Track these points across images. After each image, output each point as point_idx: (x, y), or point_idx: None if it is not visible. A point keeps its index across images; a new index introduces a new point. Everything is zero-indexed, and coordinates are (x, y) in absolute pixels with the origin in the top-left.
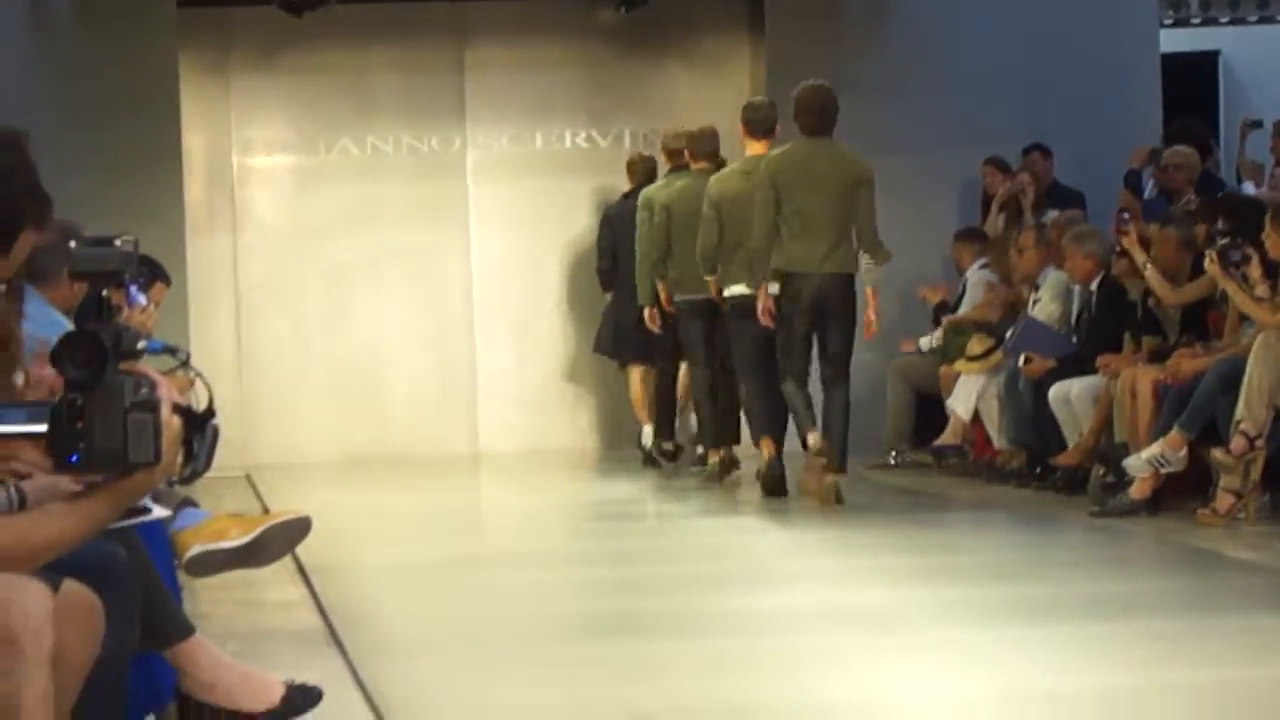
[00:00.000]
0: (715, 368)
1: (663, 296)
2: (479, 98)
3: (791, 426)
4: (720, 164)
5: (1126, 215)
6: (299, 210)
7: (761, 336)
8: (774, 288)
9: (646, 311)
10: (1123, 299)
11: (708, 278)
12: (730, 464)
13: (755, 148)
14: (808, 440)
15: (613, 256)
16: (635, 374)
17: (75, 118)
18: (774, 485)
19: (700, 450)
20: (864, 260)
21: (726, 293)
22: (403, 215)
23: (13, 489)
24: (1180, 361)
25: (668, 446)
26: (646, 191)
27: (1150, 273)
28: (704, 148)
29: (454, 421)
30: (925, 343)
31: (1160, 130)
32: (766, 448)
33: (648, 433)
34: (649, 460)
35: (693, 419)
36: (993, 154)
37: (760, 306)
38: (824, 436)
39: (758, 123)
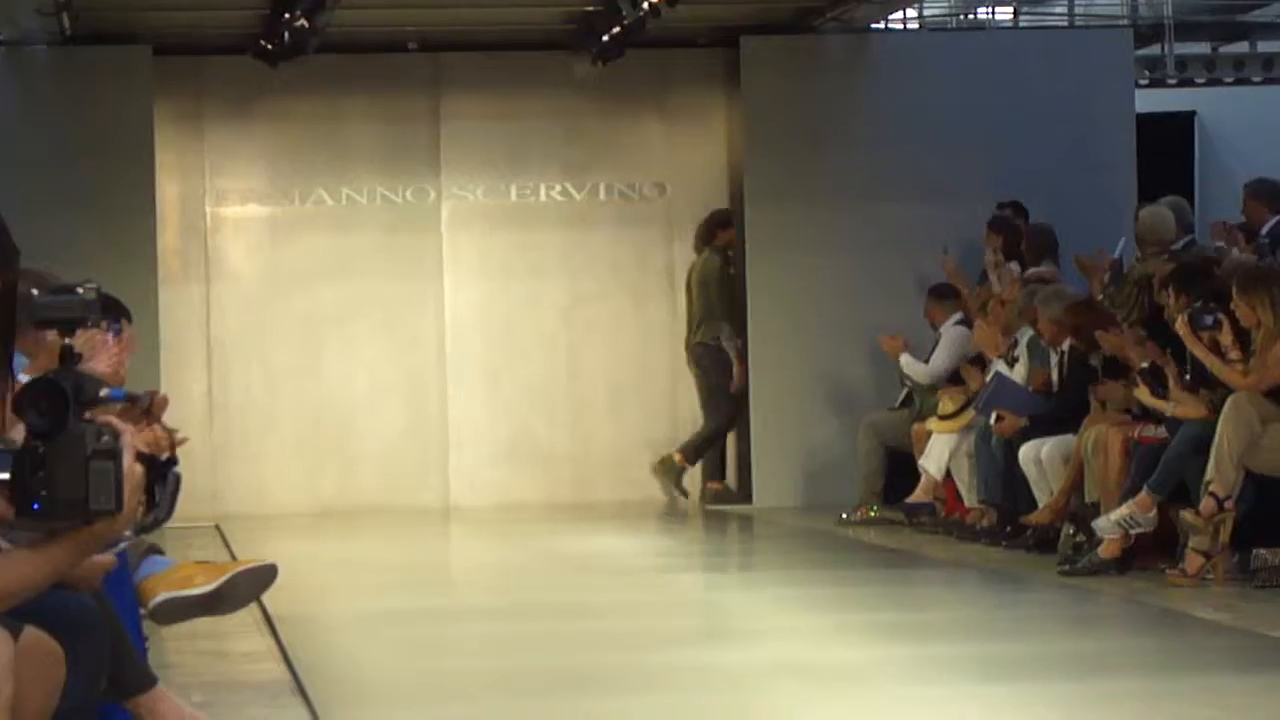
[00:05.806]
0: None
1: None
2: (454, 149)
3: None
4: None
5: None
6: (272, 260)
7: None
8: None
9: None
10: (1086, 363)
11: None
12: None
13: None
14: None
15: None
16: None
17: (50, 163)
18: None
19: None
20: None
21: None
22: (376, 266)
23: None
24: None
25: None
26: None
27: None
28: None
29: (424, 473)
30: (906, 361)
31: (1135, 190)
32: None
33: None
34: None
35: None
36: (996, 214)
37: None
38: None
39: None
